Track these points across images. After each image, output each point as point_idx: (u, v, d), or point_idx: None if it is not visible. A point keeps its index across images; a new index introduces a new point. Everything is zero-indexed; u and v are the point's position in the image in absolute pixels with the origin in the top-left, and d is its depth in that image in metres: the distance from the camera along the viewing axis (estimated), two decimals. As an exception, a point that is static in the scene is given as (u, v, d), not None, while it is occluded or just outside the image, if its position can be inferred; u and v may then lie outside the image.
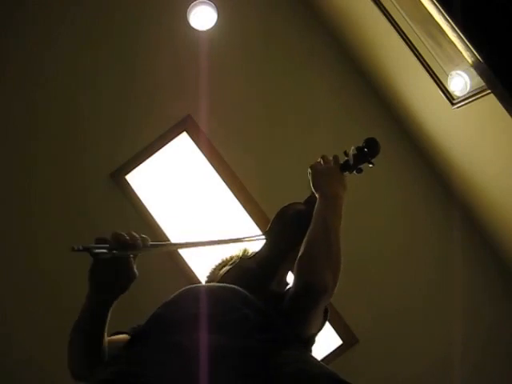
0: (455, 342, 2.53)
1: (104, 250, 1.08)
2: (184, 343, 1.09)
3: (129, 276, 1.17)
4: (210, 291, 1.26)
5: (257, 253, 1.49)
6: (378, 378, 2.64)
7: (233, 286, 1.29)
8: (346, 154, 1.49)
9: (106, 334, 1.23)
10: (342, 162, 1.48)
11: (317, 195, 1.40)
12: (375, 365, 2.65)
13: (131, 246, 1.13)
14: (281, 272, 1.45)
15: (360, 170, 1.50)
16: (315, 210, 1.36)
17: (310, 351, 1.35)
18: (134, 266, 1.17)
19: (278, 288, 1.44)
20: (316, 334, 1.35)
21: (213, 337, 1.11)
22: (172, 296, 1.29)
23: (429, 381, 2.64)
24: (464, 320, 2.53)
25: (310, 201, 1.43)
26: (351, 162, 1.47)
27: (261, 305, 1.23)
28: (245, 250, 1.63)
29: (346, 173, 1.48)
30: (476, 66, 1.37)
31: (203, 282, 1.64)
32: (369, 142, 1.50)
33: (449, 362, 2.56)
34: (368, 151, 1.48)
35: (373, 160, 1.49)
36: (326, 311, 1.36)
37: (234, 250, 1.66)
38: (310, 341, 1.34)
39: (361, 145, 1.49)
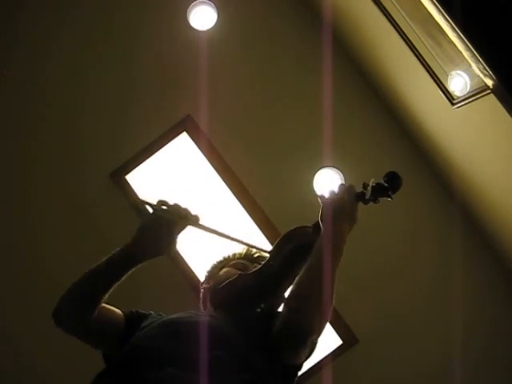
0: (455, 342, 2.53)
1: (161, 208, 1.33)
2: (156, 379, 1.12)
3: (169, 241, 1.34)
4: (185, 327, 1.28)
5: (258, 270, 1.48)
6: (378, 378, 2.64)
7: (214, 321, 1.32)
8: (364, 186, 1.42)
9: (107, 294, 1.35)
10: (358, 192, 1.42)
11: (321, 227, 1.37)
12: (375, 365, 2.65)
13: (183, 215, 1.32)
14: (279, 294, 1.46)
15: (377, 202, 1.44)
16: (316, 244, 1.33)
17: (295, 376, 1.36)
18: (177, 237, 1.34)
19: (274, 306, 1.46)
20: (304, 361, 1.35)
21: (183, 374, 1.13)
22: (151, 328, 1.31)
23: (429, 381, 2.64)
24: (464, 320, 2.53)
25: (319, 227, 1.39)
26: (369, 196, 1.41)
27: (239, 344, 1.24)
28: (248, 250, 1.64)
29: (360, 203, 1.42)
30: (476, 66, 1.37)
31: (203, 278, 1.65)
32: (390, 177, 1.42)
33: (449, 362, 2.55)
34: (388, 186, 1.41)
35: (392, 195, 1.42)
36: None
37: (237, 249, 1.66)
38: (297, 368, 1.35)
39: (382, 180, 1.42)
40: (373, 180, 1.43)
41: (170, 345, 1.21)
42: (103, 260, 1.35)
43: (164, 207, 1.36)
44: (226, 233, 1.44)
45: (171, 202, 1.35)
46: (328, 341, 2.61)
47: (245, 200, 2.71)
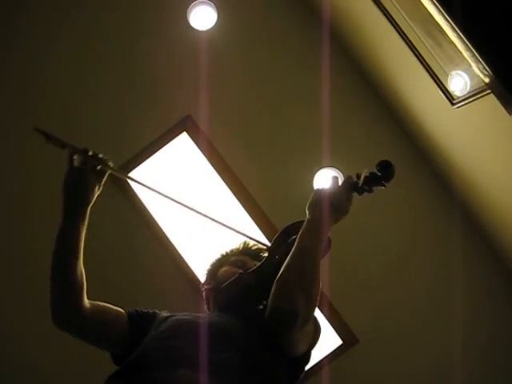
0: (455, 341, 2.53)
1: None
2: (171, 380, 1.12)
3: (90, 183, 1.46)
4: (199, 329, 1.29)
5: (259, 267, 1.49)
6: (378, 378, 2.63)
7: (225, 322, 1.33)
8: (357, 176, 1.44)
9: (80, 265, 1.38)
10: (352, 182, 1.44)
11: (307, 215, 1.40)
12: (375, 365, 2.65)
13: (93, 157, 1.42)
14: None
15: (371, 191, 1.46)
16: (300, 231, 1.36)
17: (301, 371, 1.37)
18: (98, 181, 1.49)
19: None
20: (309, 351, 1.36)
21: (198, 376, 1.14)
22: (162, 329, 1.32)
23: (429, 381, 2.64)
24: (464, 320, 2.53)
25: None
26: (362, 185, 1.43)
27: (249, 343, 1.26)
28: (245, 243, 1.64)
29: (355, 193, 1.44)
30: (476, 66, 1.37)
31: (203, 277, 1.66)
32: (383, 165, 1.43)
33: (449, 362, 2.56)
34: (382, 175, 1.43)
35: (386, 184, 1.44)
36: (316, 328, 1.37)
37: (234, 244, 1.67)
38: (303, 359, 1.36)
39: (375, 169, 1.44)
40: (366, 170, 1.45)
41: (181, 347, 1.22)
42: (55, 239, 1.43)
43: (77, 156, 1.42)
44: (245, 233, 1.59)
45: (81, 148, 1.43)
46: (328, 341, 2.61)
47: (245, 200, 2.71)
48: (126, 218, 2.68)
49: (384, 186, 1.45)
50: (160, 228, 2.71)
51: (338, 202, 1.40)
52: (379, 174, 1.43)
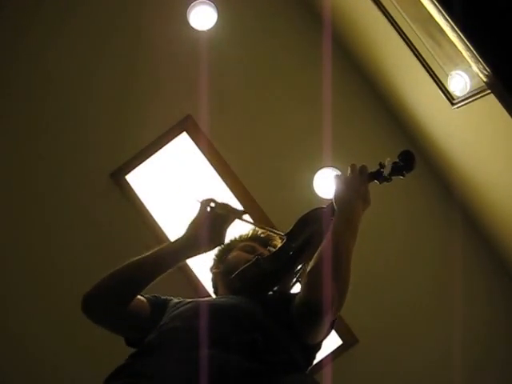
0: (455, 341, 2.53)
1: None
2: (193, 358, 1.11)
3: (220, 235, 1.44)
4: (221, 309, 1.29)
5: (275, 253, 1.48)
6: (378, 379, 2.64)
7: (245, 304, 1.33)
8: (381, 165, 1.47)
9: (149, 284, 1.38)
10: (373, 171, 1.46)
11: (335, 207, 1.40)
12: (375, 365, 2.65)
13: (232, 210, 1.45)
14: (294, 275, 1.47)
15: (389, 181, 1.48)
16: (332, 223, 1.35)
17: (314, 357, 1.37)
18: (227, 230, 1.45)
19: (288, 286, 1.48)
20: (323, 341, 1.37)
21: (222, 355, 1.13)
22: (180, 310, 1.31)
23: (429, 381, 2.64)
24: (464, 320, 2.53)
25: (333, 208, 1.42)
26: (385, 173, 1.46)
27: (270, 325, 1.26)
28: (253, 230, 1.64)
29: (375, 181, 1.47)
30: (476, 66, 1.37)
31: (211, 263, 1.64)
32: (405, 156, 1.47)
33: (449, 362, 2.55)
34: (404, 165, 1.46)
35: (407, 174, 1.47)
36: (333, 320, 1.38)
37: (240, 232, 1.66)
38: (317, 347, 1.37)
39: (397, 159, 1.47)
40: (388, 159, 1.48)
41: (202, 326, 1.21)
42: (149, 253, 1.41)
43: (213, 204, 1.46)
44: (265, 226, 1.61)
45: (219, 200, 1.47)
46: (328, 341, 2.60)
47: (245, 200, 2.71)
48: (126, 218, 2.68)
49: (404, 176, 1.47)
50: (160, 228, 2.71)
51: (365, 191, 1.42)
52: (402, 164, 1.46)
